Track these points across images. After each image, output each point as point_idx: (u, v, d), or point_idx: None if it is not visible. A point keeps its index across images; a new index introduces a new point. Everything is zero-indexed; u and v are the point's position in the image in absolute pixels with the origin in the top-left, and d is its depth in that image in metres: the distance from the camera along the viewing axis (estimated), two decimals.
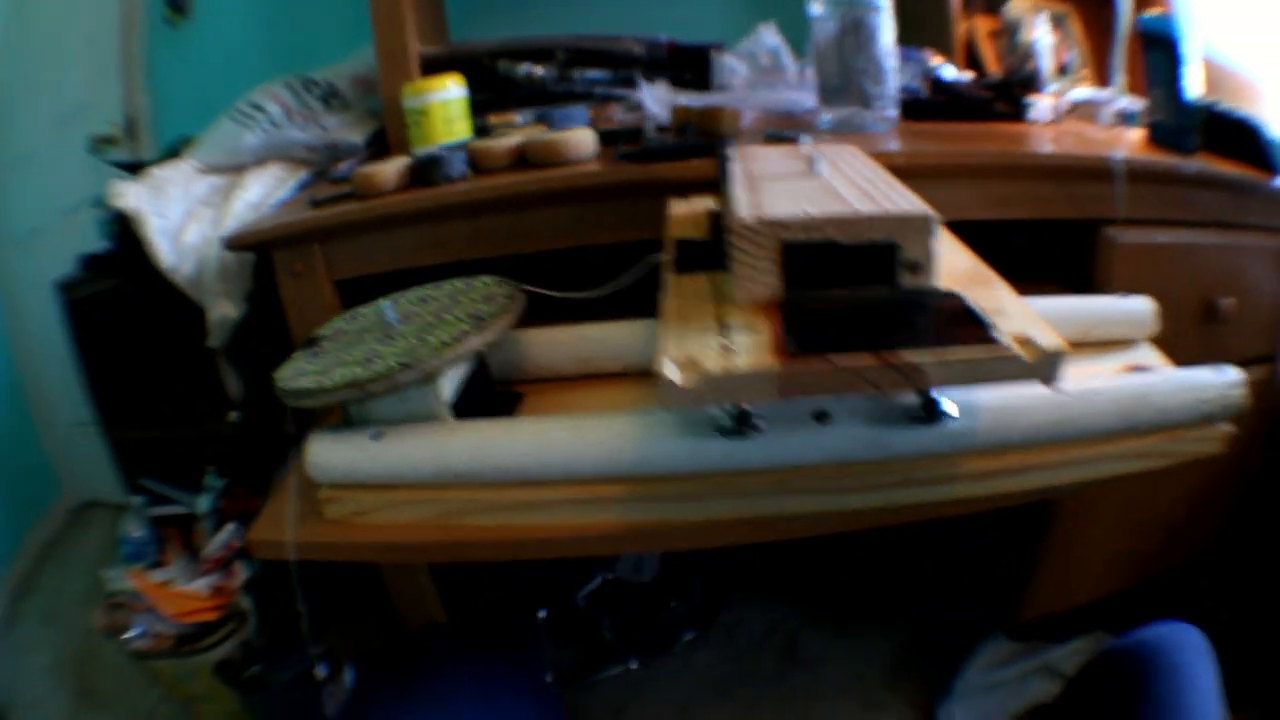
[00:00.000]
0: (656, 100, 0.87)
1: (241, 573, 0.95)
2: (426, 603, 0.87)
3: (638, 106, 0.90)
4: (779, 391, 0.41)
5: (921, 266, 0.46)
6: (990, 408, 0.52)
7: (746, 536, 0.54)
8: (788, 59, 0.98)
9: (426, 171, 0.74)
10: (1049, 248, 0.85)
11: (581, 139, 0.77)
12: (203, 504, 0.92)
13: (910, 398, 0.50)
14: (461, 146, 0.80)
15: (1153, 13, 0.95)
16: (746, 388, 0.41)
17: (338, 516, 0.55)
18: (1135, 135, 0.95)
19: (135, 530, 0.94)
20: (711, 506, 0.52)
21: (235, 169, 0.89)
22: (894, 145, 0.80)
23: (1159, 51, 0.88)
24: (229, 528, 0.93)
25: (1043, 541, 0.90)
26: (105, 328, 0.88)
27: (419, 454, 0.54)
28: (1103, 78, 1.09)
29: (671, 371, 0.40)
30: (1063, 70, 1.01)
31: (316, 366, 0.57)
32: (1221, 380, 0.55)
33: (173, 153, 0.95)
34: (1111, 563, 0.94)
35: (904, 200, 0.47)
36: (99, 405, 0.92)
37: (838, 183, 0.51)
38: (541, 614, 1.04)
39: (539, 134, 0.78)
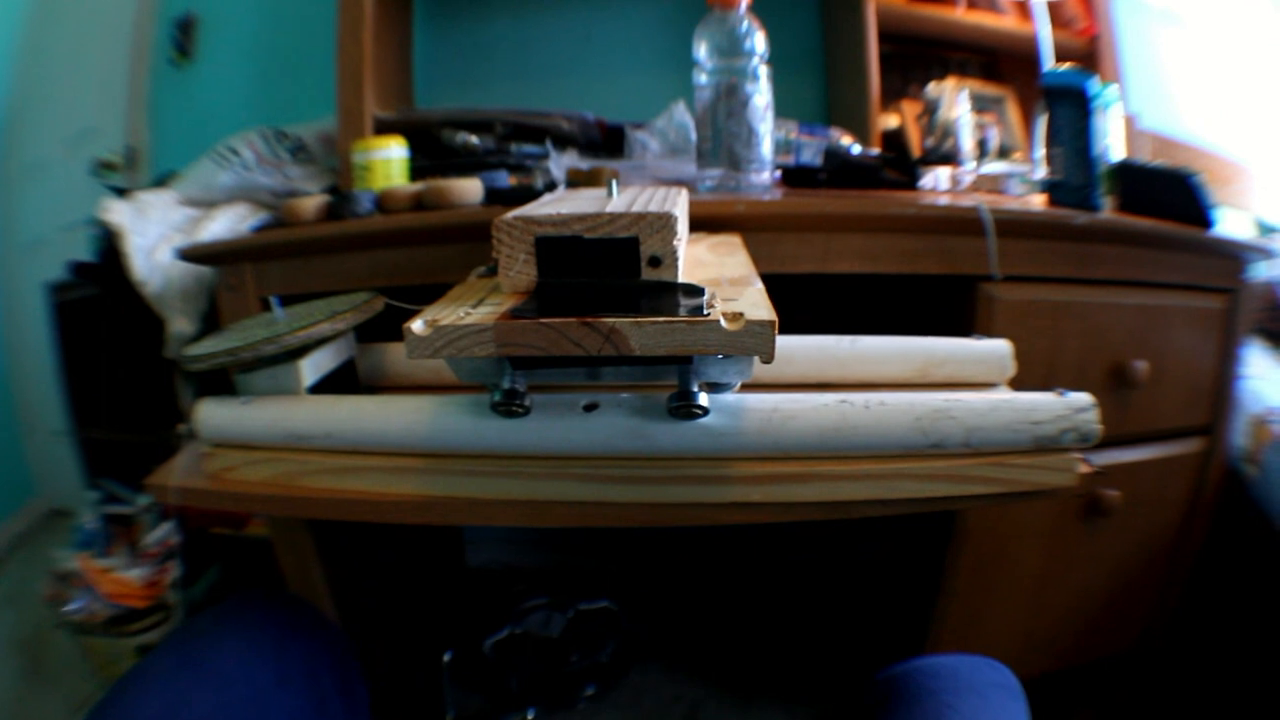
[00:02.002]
0: (560, 166, 0.95)
1: (175, 570, 1.02)
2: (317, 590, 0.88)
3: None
4: (495, 344, 0.45)
5: (661, 260, 0.50)
6: (759, 408, 0.54)
7: (530, 518, 0.56)
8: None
9: (339, 208, 0.83)
10: (945, 304, 0.83)
11: (468, 186, 0.84)
12: (143, 501, 1.00)
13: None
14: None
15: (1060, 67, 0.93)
16: (470, 340, 0.46)
17: (212, 471, 0.62)
18: (1040, 199, 0.94)
19: (89, 522, 1.03)
20: (494, 485, 0.55)
21: (209, 204, 1.01)
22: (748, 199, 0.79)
23: (1065, 107, 0.85)
24: (165, 525, 1.01)
25: (935, 610, 0.85)
26: (86, 332, 1.00)
27: (271, 419, 0.61)
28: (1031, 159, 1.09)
29: (417, 326, 0.46)
30: (982, 147, 1.03)
31: (214, 344, 0.67)
32: (1063, 404, 0.53)
33: (160, 183, 1.10)
34: (1017, 644, 0.88)
35: (657, 208, 0.52)
36: (72, 406, 1.04)
37: (620, 202, 0.57)
38: (446, 656, 1.05)
39: (437, 182, 0.85)
